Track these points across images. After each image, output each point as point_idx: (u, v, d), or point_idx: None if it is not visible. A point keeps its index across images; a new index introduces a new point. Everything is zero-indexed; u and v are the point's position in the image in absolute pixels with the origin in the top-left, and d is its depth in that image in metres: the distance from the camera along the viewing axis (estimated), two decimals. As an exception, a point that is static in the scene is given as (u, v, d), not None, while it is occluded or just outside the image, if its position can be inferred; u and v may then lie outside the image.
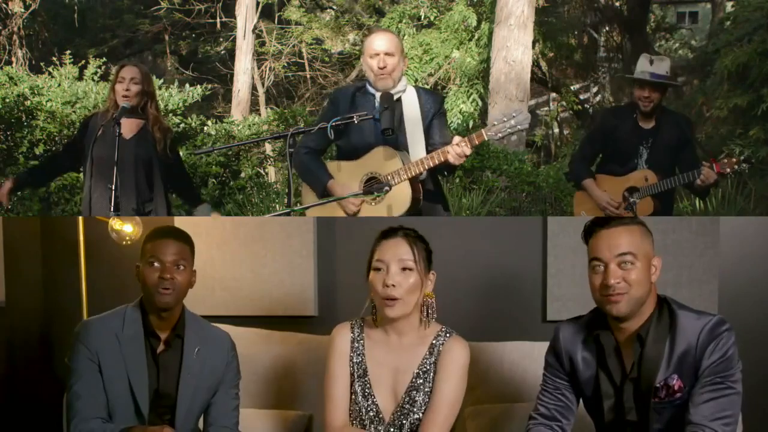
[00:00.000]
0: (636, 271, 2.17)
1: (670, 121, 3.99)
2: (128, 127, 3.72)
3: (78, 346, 2.46)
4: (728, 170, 3.64)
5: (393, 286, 2.33)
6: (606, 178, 4.04)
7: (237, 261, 3.36)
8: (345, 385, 2.45)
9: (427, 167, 3.14)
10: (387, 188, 2.80)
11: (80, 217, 3.45)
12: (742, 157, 3.70)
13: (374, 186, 2.90)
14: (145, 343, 2.50)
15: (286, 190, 4.05)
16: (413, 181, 3.19)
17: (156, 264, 2.46)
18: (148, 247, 2.50)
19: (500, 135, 3.07)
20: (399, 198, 3.18)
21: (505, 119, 3.04)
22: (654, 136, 3.96)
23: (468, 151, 3.05)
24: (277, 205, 6.99)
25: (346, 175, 3.30)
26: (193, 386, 2.52)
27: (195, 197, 4.04)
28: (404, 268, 2.36)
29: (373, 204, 3.24)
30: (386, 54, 3.25)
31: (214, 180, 7.22)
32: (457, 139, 3.07)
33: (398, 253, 2.37)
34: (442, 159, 3.09)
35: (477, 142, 3.06)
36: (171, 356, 2.53)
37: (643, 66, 3.96)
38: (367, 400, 2.42)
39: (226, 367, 2.60)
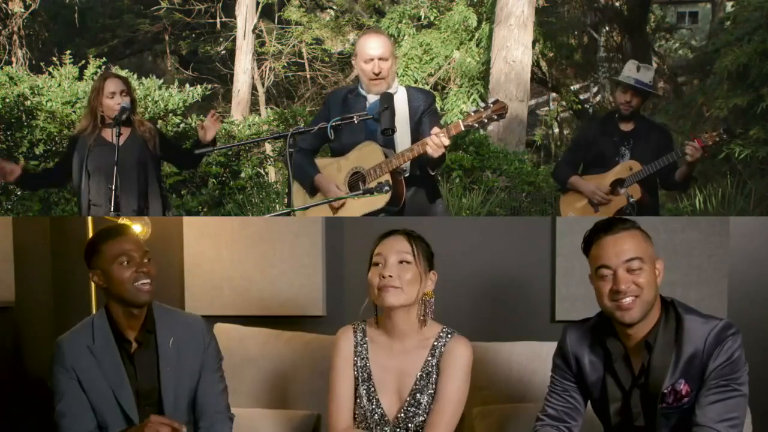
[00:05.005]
0: (645, 275, 2.16)
1: (649, 126, 4.13)
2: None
3: (54, 368, 2.47)
4: (710, 143, 3.76)
5: (390, 276, 2.34)
6: (592, 177, 4.12)
7: (245, 261, 3.36)
8: (349, 388, 2.46)
9: (406, 159, 3.17)
10: (387, 188, 2.80)
11: (89, 217, 3.45)
12: (721, 129, 3.78)
13: (375, 187, 2.90)
14: (119, 348, 2.50)
15: (286, 190, 4.06)
16: (395, 175, 3.23)
17: (125, 261, 2.43)
18: (107, 248, 2.45)
19: (477, 125, 3.09)
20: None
21: (482, 108, 3.07)
22: (634, 137, 4.06)
23: (446, 141, 3.07)
24: (277, 205, 6.99)
25: (337, 171, 3.35)
26: (174, 378, 2.51)
27: (192, 159, 4.20)
28: (402, 261, 2.36)
29: (356, 198, 3.26)
30: (380, 59, 3.28)
31: (214, 180, 7.22)
32: (435, 129, 3.10)
33: (396, 246, 2.38)
34: (421, 151, 3.12)
35: (454, 132, 3.10)
36: (146, 353, 2.51)
37: (630, 72, 4.08)
38: (372, 404, 2.43)
39: (204, 353, 2.57)
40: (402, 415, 2.40)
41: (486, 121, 3.07)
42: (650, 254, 2.20)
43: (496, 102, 3.07)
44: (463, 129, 3.09)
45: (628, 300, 2.16)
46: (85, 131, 3.76)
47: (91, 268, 2.49)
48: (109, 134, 3.74)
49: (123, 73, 7.47)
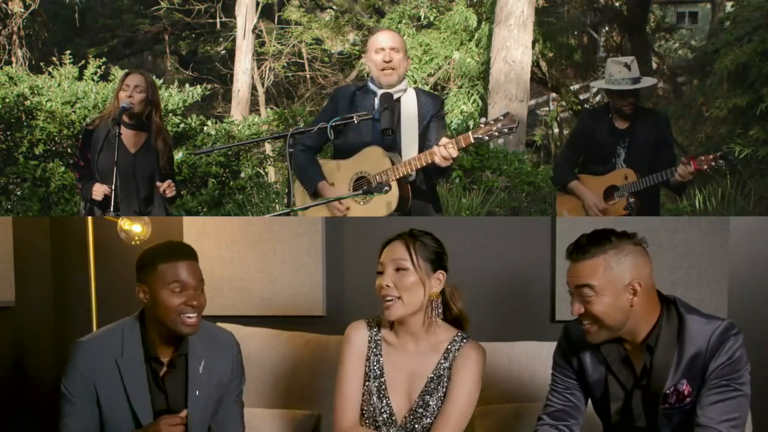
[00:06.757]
0: (598, 303, 2.12)
1: (646, 120, 4.01)
2: (132, 140, 3.78)
3: (73, 373, 2.29)
4: (705, 167, 3.63)
5: (387, 286, 2.34)
6: (587, 177, 4.08)
7: (245, 261, 3.36)
8: (358, 384, 2.44)
9: (414, 168, 3.15)
10: (387, 188, 2.79)
11: (89, 217, 3.45)
12: (718, 153, 3.67)
13: (375, 186, 2.89)
14: (146, 367, 2.32)
15: (286, 190, 4.05)
16: (402, 181, 3.20)
17: (177, 289, 2.25)
18: (163, 269, 2.26)
19: (487, 137, 3.05)
20: (387, 197, 3.19)
21: (493, 121, 3.03)
22: (630, 135, 3.98)
23: (454, 153, 3.04)
24: (277, 205, 7.00)
25: (343, 174, 3.32)
26: (202, 403, 2.38)
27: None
28: (399, 269, 2.36)
29: (361, 204, 3.25)
30: (391, 49, 3.26)
31: (214, 180, 7.23)
32: (444, 140, 3.07)
33: (393, 254, 2.38)
34: (429, 160, 3.09)
35: (464, 145, 3.05)
36: (176, 377, 2.37)
37: (621, 73, 3.93)
38: (382, 402, 2.41)
39: (232, 374, 2.48)
40: (410, 416, 2.40)
41: (496, 134, 3.02)
42: (613, 279, 2.12)
43: (506, 115, 3.03)
44: (472, 141, 3.05)
45: (586, 323, 2.17)
46: (101, 123, 3.78)
47: (140, 282, 2.30)
48: (126, 136, 3.76)
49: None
